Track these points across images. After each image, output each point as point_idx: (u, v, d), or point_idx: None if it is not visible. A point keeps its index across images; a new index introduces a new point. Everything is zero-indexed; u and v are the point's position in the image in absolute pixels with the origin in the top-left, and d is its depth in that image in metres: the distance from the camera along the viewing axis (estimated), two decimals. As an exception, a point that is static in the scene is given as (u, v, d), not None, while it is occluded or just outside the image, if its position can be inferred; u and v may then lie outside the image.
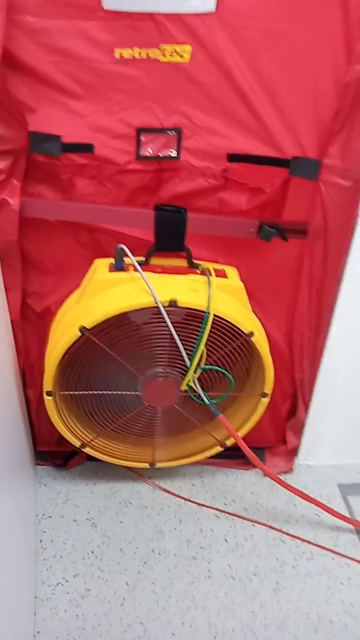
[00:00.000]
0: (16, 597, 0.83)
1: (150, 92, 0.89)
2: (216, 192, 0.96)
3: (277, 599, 1.03)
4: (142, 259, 0.97)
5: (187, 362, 0.97)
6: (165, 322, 0.94)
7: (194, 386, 1.00)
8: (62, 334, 0.94)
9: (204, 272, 0.98)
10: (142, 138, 0.91)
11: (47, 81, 0.85)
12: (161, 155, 0.92)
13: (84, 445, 1.08)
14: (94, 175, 0.92)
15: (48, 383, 0.96)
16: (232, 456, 1.32)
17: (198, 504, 1.21)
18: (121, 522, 1.15)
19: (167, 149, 0.92)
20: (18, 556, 0.88)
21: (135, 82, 0.88)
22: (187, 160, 0.93)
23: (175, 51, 0.86)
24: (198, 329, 0.95)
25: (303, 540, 1.15)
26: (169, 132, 0.91)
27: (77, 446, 1.08)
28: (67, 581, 1.03)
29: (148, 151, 0.92)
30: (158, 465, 1.16)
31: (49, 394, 0.98)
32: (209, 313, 0.91)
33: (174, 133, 0.91)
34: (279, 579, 1.06)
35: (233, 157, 0.94)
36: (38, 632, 0.94)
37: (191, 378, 0.99)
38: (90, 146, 0.90)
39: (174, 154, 0.92)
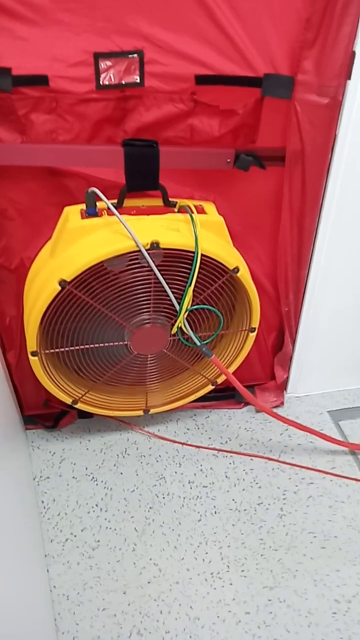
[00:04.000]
0: (25, 558, 0.82)
1: (104, 11, 0.80)
2: (186, 119, 0.90)
3: (283, 523, 1.07)
4: (114, 201, 0.91)
5: (176, 305, 0.94)
6: (145, 266, 0.90)
7: (184, 329, 0.98)
8: (41, 290, 0.89)
9: (183, 210, 0.93)
10: (102, 64, 0.82)
11: (-14, 2, 0.74)
12: (124, 83, 0.84)
13: (75, 401, 1.06)
14: (52, 109, 0.83)
15: (32, 343, 0.92)
16: (222, 397, 1.33)
17: (195, 446, 1.22)
18: (121, 473, 1.15)
19: (130, 75, 0.84)
20: (21, 519, 0.87)
21: (87, 1, 0.78)
22: (151, 86, 0.86)
23: None
24: (179, 269, 0.92)
25: (301, 467, 1.18)
26: (129, 55, 0.83)
27: (69, 403, 1.05)
28: (75, 536, 1.03)
29: (109, 78, 0.83)
30: (152, 411, 1.15)
31: (33, 354, 0.93)
32: (197, 253, 0.87)
33: (136, 56, 0.83)
34: (282, 506, 1.10)
35: (201, 79, 0.87)
36: (54, 586, 0.95)
37: (182, 321, 0.96)
38: (45, 78, 0.81)
39: (137, 79, 0.85)
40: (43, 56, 0.80)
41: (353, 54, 0.86)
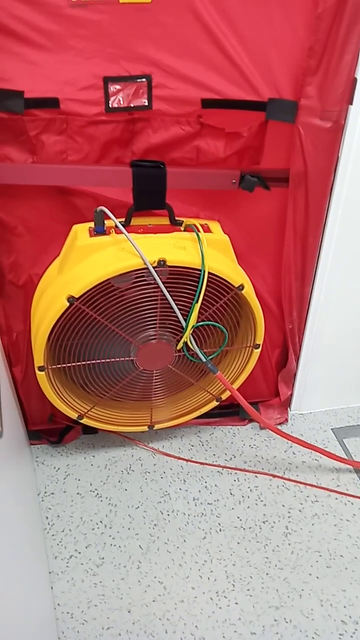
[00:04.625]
0: (29, 575, 0.82)
1: (113, 38, 0.83)
2: (192, 140, 0.92)
3: (289, 542, 1.06)
4: (122, 220, 0.93)
5: (182, 322, 0.95)
6: (152, 283, 0.91)
7: (190, 345, 0.99)
8: (49, 306, 0.90)
9: (189, 229, 0.95)
10: (111, 88, 0.85)
11: (1, 29, 0.77)
12: (132, 106, 0.87)
13: (81, 416, 1.06)
14: (62, 130, 0.86)
15: (39, 358, 0.93)
16: (227, 413, 1.33)
17: (200, 462, 1.22)
18: (126, 490, 1.15)
19: (138, 98, 0.87)
20: (25, 535, 0.87)
21: (96, 28, 0.82)
22: (159, 109, 0.88)
23: (136, -10, 0.80)
24: (185, 286, 0.93)
25: (306, 484, 1.18)
26: (138, 80, 0.86)
27: (75, 418, 1.06)
28: (79, 553, 1.03)
29: (118, 101, 0.86)
30: (157, 426, 1.15)
31: (41, 369, 0.94)
32: (204, 270, 0.89)
33: (144, 80, 0.86)
34: (287, 524, 1.09)
35: (207, 103, 0.89)
36: (58, 604, 0.94)
37: (188, 337, 0.97)
38: (55, 100, 0.84)
39: (145, 102, 0.87)
40: (54, 80, 0.83)
41: (355, 80, 0.89)
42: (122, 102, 0.87)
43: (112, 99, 0.86)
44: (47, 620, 0.86)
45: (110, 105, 0.87)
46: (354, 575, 1.00)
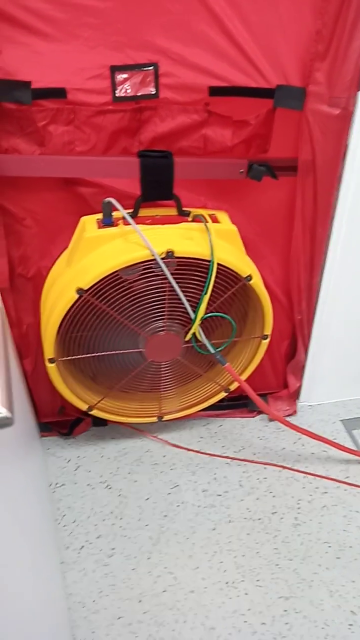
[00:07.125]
0: (42, 565, 0.82)
1: (120, 26, 0.82)
2: (199, 129, 0.92)
3: (298, 533, 1.06)
4: (130, 211, 0.93)
5: (191, 313, 0.95)
6: (160, 275, 0.91)
7: (198, 336, 0.98)
8: (58, 298, 0.90)
9: (197, 219, 0.94)
10: (118, 77, 0.85)
11: (7, 19, 0.77)
12: (139, 94, 0.86)
13: (91, 408, 1.06)
14: (70, 121, 0.85)
15: (49, 350, 0.93)
16: (235, 406, 1.33)
17: (209, 454, 1.22)
18: (136, 481, 1.15)
19: (145, 87, 0.86)
20: (37, 526, 0.87)
21: (103, 16, 0.81)
22: (166, 97, 0.88)
23: (142, -23, 0.79)
24: (192, 277, 0.93)
25: (315, 475, 1.17)
26: (145, 68, 0.85)
27: (84, 410, 1.06)
28: (90, 543, 1.03)
29: (125, 90, 0.86)
30: (166, 417, 1.15)
31: (51, 361, 0.94)
32: (213, 261, 0.88)
33: (151, 69, 0.85)
34: (297, 515, 1.09)
35: (215, 90, 0.88)
36: (70, 594, 0.95)
37: (197, 328, 0.97)
38: (63, 90, 0.83)
39: (152, 91, 0.87)
40: (61, 70, 0.83)
41: (364, 65, 0.87)
42: (129, 91, 0.86)
43: (119, 88, 0.85)
44: (59, 609, 0.87)
45: (117, 95, 0.86)
46: (364, 566, 1.00)
